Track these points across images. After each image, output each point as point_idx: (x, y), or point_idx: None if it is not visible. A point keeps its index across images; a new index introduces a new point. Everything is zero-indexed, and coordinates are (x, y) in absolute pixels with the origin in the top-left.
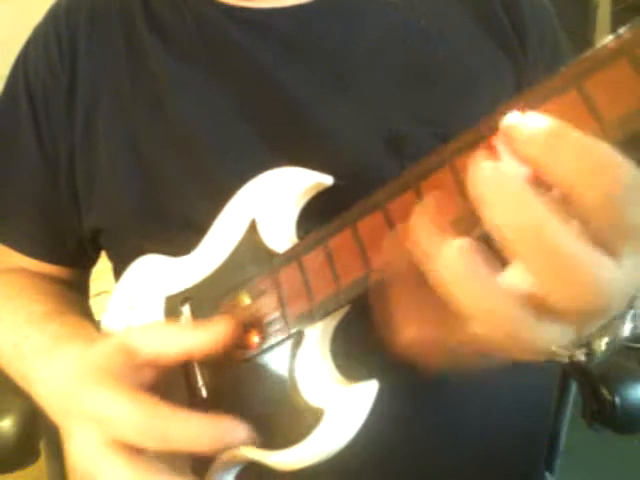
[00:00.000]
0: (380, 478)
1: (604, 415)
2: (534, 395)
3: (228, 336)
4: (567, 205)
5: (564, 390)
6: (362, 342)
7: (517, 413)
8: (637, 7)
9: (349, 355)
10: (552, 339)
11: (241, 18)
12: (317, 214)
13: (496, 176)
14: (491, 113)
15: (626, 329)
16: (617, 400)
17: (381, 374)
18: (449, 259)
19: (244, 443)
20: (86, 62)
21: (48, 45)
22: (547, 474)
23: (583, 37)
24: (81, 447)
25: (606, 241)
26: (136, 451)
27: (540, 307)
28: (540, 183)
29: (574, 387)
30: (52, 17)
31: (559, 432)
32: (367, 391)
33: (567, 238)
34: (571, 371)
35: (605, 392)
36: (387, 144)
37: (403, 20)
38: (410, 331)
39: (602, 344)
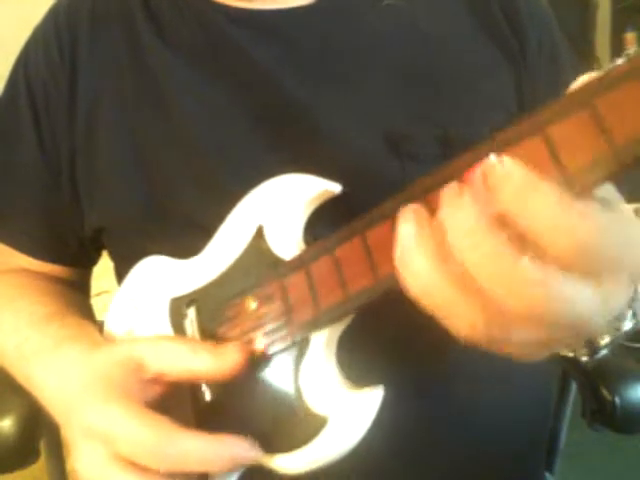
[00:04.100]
0: (380, 478)
1: (604, 415)
2: (534, 395)
3: (238, 366)
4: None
5: (564, 390)
6: (367, 349)
7: (517, 413)
8: (637, 7)
9: (354, 362)
10: (531, 342)
11: (242, 20)
12: (322, 218)
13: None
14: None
15: (627, 325)
16: (617, 400)
17: (385, 380)
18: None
19: (252, 462)
20: (87, 62)
21: (49, 45)
22: (547, 474)
23: (583, 37)
24: (88, 461)
25: (579, 272)
26: (140, 467)
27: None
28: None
29: (574, 387)
30: (52, 17)
31: (559, 432)
32: (372, 398)
33: (515, 261)
34: (571, 371)
35: (605, 392)
36: (388, 144)
37: (403, 22)
38: None
39: (603, 341)
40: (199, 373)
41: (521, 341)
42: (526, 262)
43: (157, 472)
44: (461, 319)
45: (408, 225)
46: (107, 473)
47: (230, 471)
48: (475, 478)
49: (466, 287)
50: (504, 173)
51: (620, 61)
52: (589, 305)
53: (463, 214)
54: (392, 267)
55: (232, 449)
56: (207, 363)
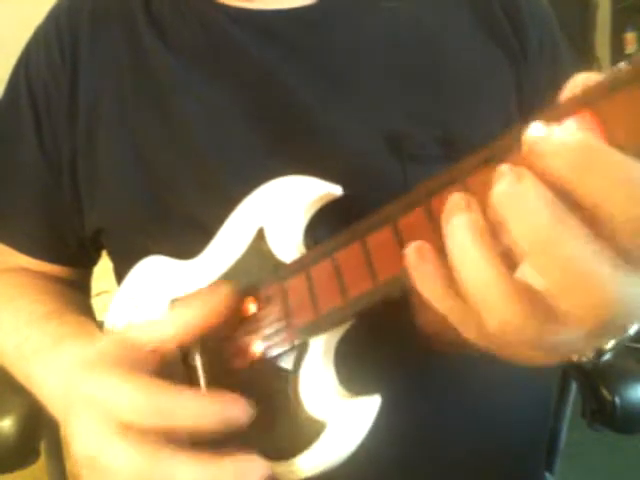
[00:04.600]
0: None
1: (604, 415)
2: (534, 395)
3: (226, 304)
4: (592, 221)
5: (564, 390)
6: (365, 355)
7: (517, 413)
8: (637, 7)
9: (352, 368)
10: (562, 344)
11: (244, 20)
12: (323, 220)
13: (516, 191)
14: (506, 131)
15: (634, 328)
16: (617, 400)
17: (382, 385)
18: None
19: (245, 420)
20: (88, 63)
21: (50, 46)
22: (547, 474)
23: (583, 37)
24: (83, 432)
25: (634, 256)
26: (140, 433)
27: (550, 311)
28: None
29: (574, 387)
30: (53, 18)
31: (559, 432)
32: (369, 405)
33: (584, 251)
34: (571, 371)
35: (605, 392)
36: (388, 145)
37: (402, 22)
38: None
39: (609, 344)
40: (189, 324)
41: (552, 344)
42: (597, 252)
43: (154, 436)
44: (494, 311)
45: (460, 215)
46: (102, 440)
47: (223, 429)
48: (474, 478)
49: (507, 272)
50: (560, 138)
51: (622, 64)
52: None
53: (523, 199)
54: (392, 272)
55: (225, 405)
56: (192, 312)
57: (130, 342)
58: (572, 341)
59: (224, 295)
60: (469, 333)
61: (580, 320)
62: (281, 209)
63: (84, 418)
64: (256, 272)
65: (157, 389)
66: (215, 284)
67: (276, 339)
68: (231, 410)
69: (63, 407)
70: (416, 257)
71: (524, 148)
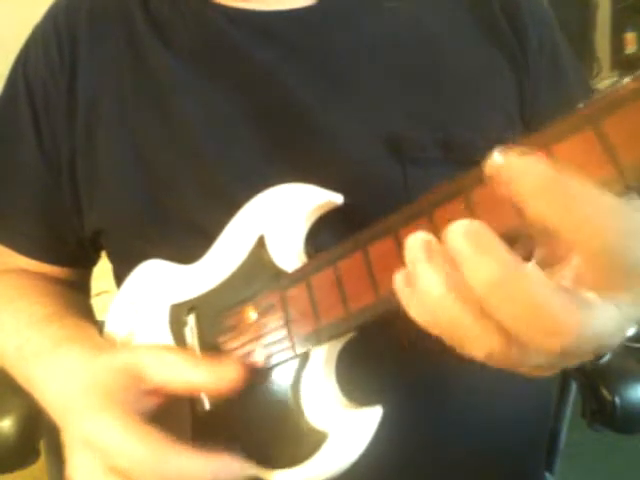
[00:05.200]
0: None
1: (604, 415)
2: (534, 395)
3: (237, 382)
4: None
5: (564, 390)
6: (367, 363)
7: (517, 413)
8: (637, 7)
9: (354, 376)
10: (545, 364)
11: (242, 21)
12: (323, 225)
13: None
14: (509, 142)
15: (630, 331)
16: (617, 400)
17: (385, 394)
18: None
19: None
20: (86, 62)
21: (48, 45)
22: (547, 474)
23: (583, 37)
24: (83, 471)
25: (596, 282)
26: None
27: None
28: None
29: (574, 387)
30: (51, 17)
31: (559, 432)
32: (371, 416)
33: (542, 288)
34: (571, 371)
35: (605, 392)
36: (388, 147)
37: (403, 23)
38: None
39: None
40: (198, 386)
41: (540, 363)
42: (540, 280)
43: None
44: (476, 344)
45: (417, 244)
46: (97, 478)
47: None
48: (475, 478)
49: (480, 310)
50: (524, 166)
51: (627, 79)
52: (610, 323)
53: (469, 237)
54: (393, 283)
55: (227, 468)
56: (206, 377)
57: (138, 374)
58: (558, 361)
59: (240, 376)
60: (464, 350)
61: (545, 349)
62: (282, 217)
63: (83, 456)
64: (257, 280)
65: (158, 449)
66: (225, 364)
67: (277, 348)
68: (230, 472)
69: (64, 422)
70: (403, 283)
71: (487, 175)
